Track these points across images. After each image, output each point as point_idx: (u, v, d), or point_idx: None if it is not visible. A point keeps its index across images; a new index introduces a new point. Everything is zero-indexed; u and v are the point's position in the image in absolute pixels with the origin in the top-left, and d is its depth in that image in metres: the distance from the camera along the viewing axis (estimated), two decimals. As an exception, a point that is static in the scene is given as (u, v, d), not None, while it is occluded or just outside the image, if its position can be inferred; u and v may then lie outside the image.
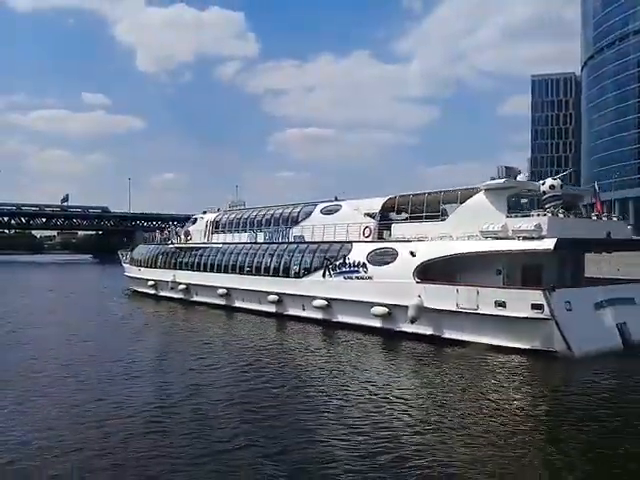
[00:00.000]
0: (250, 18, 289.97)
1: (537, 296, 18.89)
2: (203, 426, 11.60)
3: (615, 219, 24.45)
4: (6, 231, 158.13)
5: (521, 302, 19.26)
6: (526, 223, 20.39)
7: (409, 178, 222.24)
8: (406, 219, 25.65)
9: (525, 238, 20.24)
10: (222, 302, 32.00)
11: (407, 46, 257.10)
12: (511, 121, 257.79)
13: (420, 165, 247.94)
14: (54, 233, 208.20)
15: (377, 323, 23.60)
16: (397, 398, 13.82)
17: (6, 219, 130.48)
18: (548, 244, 19.39)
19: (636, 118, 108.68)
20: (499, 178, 22.87)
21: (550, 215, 20.64)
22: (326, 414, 12.49)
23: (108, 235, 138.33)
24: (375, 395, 14.05)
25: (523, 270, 21.46)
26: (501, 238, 20.94)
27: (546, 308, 18.61)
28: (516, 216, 21.45)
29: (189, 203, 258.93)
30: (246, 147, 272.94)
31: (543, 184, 21.76)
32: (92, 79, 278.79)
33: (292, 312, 27.81)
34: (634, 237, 25.98)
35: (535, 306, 18.88)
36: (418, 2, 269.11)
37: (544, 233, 19.93)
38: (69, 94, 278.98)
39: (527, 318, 19.03)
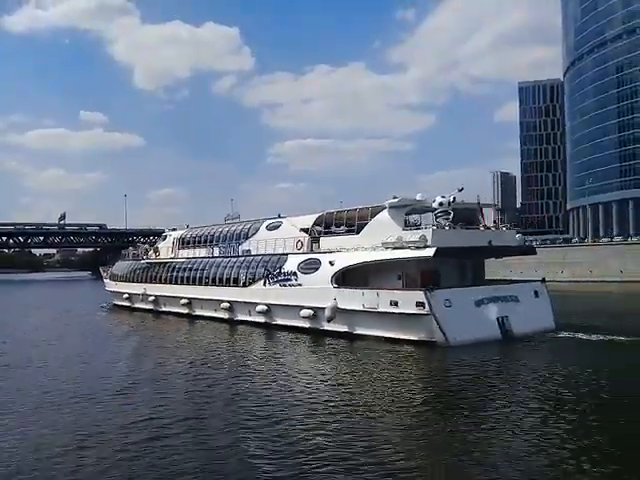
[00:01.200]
0: (245, 33, 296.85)
1: (420, 296, 22.71)
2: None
3: (504, 229, 27.97)
4: (5, 250, 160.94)
5: (409, 301, 23.10)
6: (414, 235, 24.21)
7: (405, 185, 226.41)
8: (331, 233, 29.46)
9: (417, 248, 24.04)
10: (185, 311, 36.06)
11: (401, 56, 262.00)
12: (506, 127, 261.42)
13: (416, 172, 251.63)
14: (54, 251, 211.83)
15: (306, 324, 27.47)
16: (314, 381, 17.32)
17: (4, 239, 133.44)
18: (429, 252, 23.24)
19: (616, 123, 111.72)
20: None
21: (435, 228, 24.46)
22: (263, 394, 15.53)
23: (106, 251, 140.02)
24: (297, 379, 17.62)
25: (422, 274, 25.19)
26: (398, 248, 24.75)
27: (427, 305, 22.41)
28: (410, 229, 25.29)
29: (189, 217, 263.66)
30: (244, 160, 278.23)
31: (434, 201, 25.52)
32: (90, 98, 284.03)
33: (241, 317, 31.76)
34: (527, 244, 29.37)
35: (419, 304, 22.69)
36: (411, 12, 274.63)
37: (429, 243, 23.71)
38: (67, 113, 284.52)
39: (413, 314, 22.86)
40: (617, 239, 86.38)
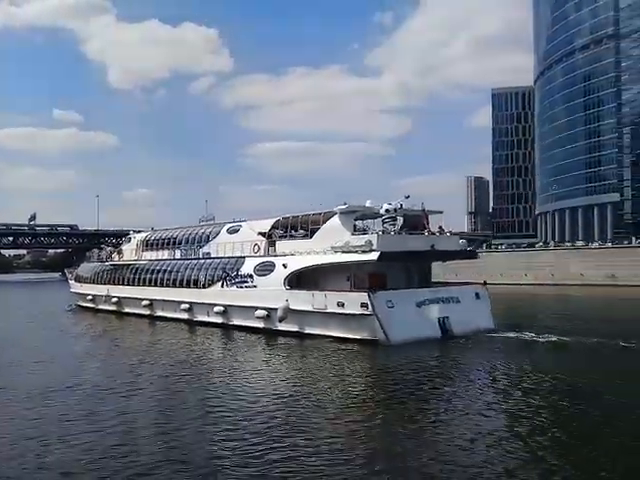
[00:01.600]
0: (224, 34, 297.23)
1: (364, 297, 23.95)
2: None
3: (448, 234, 29.38)
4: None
5: (354, 302, 24.33)
6: (361, 240, 25.47)
7: (383, 189, 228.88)
8: (287, 237, 30.60)
9: (363, 252, 25.29)
10: (147, 312, 36.86)
11: (380, 59, 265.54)
12: (480, 132, 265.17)
13: (394, 176, 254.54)
14: (24, 252, 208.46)
15: (260, 324, 28.53)
16: (266, 378, 18.48)
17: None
18: (373, 256, 24.52)
19: (583, 130, 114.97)
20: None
21: (380, 233, 25.77)
22: (218, 389, 16.54)
23: (76, 253, 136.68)
24: (246, 375, 18.57)
25: (369, 277, 26.46)
26: (346, 252, 25.96)
27: (370, 306, 23.65)
28: (358, 234, 26.57)
29: (164, 218, 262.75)
30: (222, 161, 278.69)
31: (381, 208, 26.82)
32: (64, 96, 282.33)
33: (200, 318, 32.68)
34: (469, 249, 30.90)
35: (363, 305, 23.93)
36: (389, 16, 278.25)
37: (374, 247, 24.98)
38: (40, 111, 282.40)
39: (358, 314, 24.09)
40: (579, 244, 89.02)
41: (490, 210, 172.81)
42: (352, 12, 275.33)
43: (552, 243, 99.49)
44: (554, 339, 24.26)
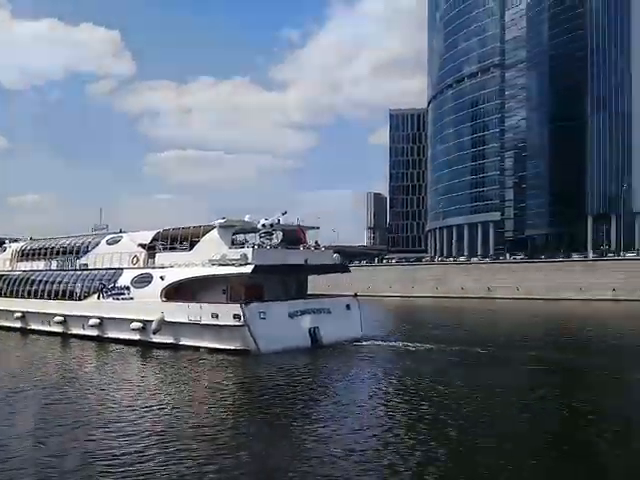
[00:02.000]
0: (126, 37, 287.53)
1: (236, 309, 24.67)
2: None
3: (323, 249, 30.91)
4: None
5: (227, 314, 24.97)
6: (237, 253, 26.23)
7: (287, 202, 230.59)
8: (167, 249, 30.70)
9: (239, 265, 26.03)
10: (19, 325, 35.27)
11: (286, 74, 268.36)
12: (382, 150, 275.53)
13: (300, 189, 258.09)
14: None
15: (135, 336, 28.34)
16: (137, 390, 18.48)
17: None
18: (248, 269, 25.36)
19: (470, 153, 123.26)
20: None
21: (255, 247, 26.68)
22: (91, 399, 16.69)
23: None
24: (121, 389, 18.52)
25: (246, 289, 27.20)
26: (223, 265, 26.59)
27: (242, 317, 24.40)
28: (236, 247, 27.31)
29: (54, 227, 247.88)
30: (120, 168, 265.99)
31: (258, 223, 27.78)
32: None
33: (74, 331, 31.81)
34: (342, 263, 32.62)
35: (235, 316, 24.64)
36: (296, 33, 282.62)
37: (249, 260, 25.82)
38: None
39: (231, 325, 24.75)
40: (462, 259, 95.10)
41: (387, 225, 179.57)
42: (259, 25, 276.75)
43: (436, 258, 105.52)
44: (421, 347, 26.18)
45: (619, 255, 74.89)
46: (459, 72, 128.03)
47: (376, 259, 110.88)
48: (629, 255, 73.79)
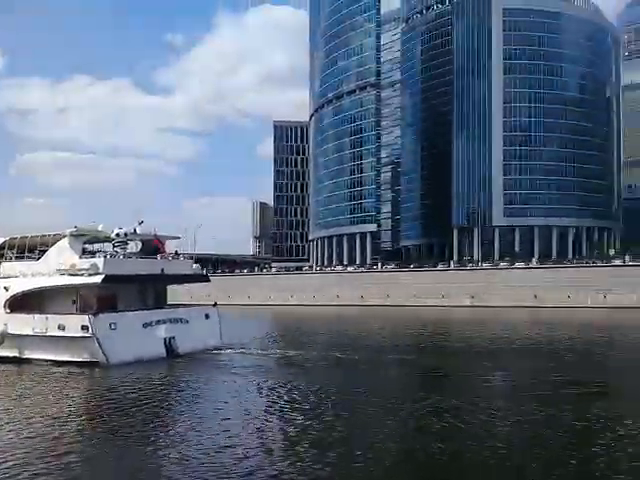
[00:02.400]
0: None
1: (84, 320, 24.11)
2: None
3: (182, 259, 31.09)
4: None
5: (75, 325, 24.32)
6: (87, 263, 25.65)
7: (171, 208, 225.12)
8: (13, 258, 29.23)
9: (90, 274, 25.43)
10: None
11: (170, 79, 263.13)
12: (267, 160, 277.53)
13: (183, 196, 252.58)
14: None
15: (-25, 351, 26.62)
16: None
17: None
18: (97, 279, 24.88)
19: (349, 167, 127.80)
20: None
21: (107, 257, 26.27)
22: None
23: None
24: None
25: (98, 299, 26.58)
26: (72, 274, 25.85)
27: (90, 328, 23.87)
28: (87, 257, 26.68)
29: None
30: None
31: (112, 232, 27.35)
32: None
33: None
34: (201, 273, 33.04)
35: (83, 327, 24.06)
36: (179, 38, 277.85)
37: (100, 270, 25.33)
38: None
39: (79, 337, 24.11)
40: (338, 268, 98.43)
41: (272, 234, 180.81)
42: (142, 27, 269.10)
43: (316, 268, 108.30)
44: (283, 353, 27.16)
45: (477, 265, 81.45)
46: (338, 89, 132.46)
47: (256, 268, 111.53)
48: (485, 265, 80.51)
